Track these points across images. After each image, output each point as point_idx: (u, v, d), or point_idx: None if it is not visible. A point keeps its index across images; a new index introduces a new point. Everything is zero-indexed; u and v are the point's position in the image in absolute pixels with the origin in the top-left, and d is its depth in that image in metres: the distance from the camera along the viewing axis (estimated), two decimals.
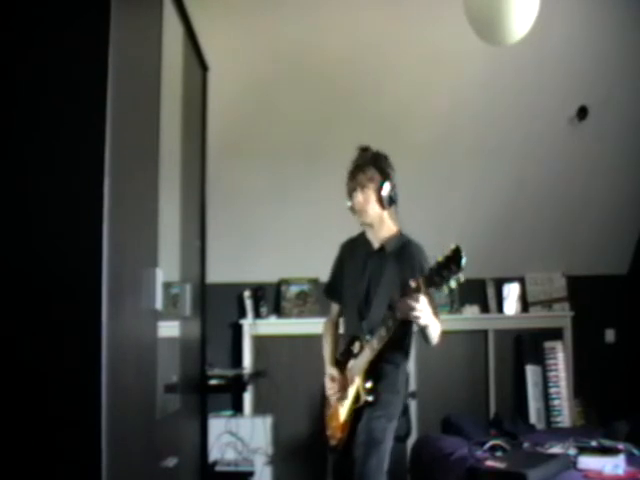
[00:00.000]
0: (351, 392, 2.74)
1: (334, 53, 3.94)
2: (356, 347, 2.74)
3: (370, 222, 2.80)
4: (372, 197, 2.75)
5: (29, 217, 1.59)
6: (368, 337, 2.66)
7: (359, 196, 2.76)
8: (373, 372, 2.67)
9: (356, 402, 2.71)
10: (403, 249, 2.77)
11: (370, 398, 2.66)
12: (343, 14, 3.80)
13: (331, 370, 2.87)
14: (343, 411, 2.78)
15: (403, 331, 2.65)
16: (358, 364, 2.70)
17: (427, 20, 3.82)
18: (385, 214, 2.80)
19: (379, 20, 3.83)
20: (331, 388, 2.84)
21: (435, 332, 2.64)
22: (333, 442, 2.84)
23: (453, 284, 2.29)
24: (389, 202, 2.76)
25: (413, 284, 2.40)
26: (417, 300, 2.40)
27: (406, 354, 2.79)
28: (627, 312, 4.97)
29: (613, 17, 4.04)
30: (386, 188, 2.74)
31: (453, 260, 2.25)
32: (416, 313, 2.43)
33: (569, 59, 4.13)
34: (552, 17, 3.62)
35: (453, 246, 2.27)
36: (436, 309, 2.65)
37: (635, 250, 5.01)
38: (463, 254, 2.23)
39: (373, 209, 2.77)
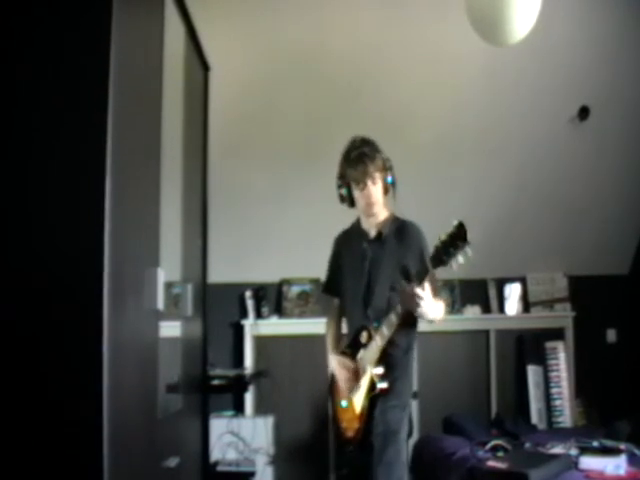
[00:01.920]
0: (365, 382, 2.72)
1: (335, 53, 3.94)
2: (364, 337, 2.71)
3: (377, 212, 2.80)
4: (380, 187, 2.76)
5: (30, 217, 1.59)
6: (376, 324, 2.65)
7: (371, 188, 2.73)
8: (384, 359, 2.67)
9: (371, 390, 2.68)
10: (401, 232, 2.78)
11: (384, 385, 2.65)
12: (344, 14, 3.80)
13: (340, 359, 2.83)
14: (358, 402, 2.76)
15: (412, 315, 2.65)
16: (369, 353, 2.68)
17: (428, 20, 3.82)
18: (383, 200, 2.81)
19: (380, 20, 3.83)
20: (346, 379, 2.79)
21: (436, 314, 2.64)
22: (350, 434, 2.79)
23: (461, 259, 2.30)
24: (389, 189, 2.78)
25: (418, 275, 2.45)
26: (418, 291, 2.45)
27: (414, 337, 2.80)
28: (628, 312, 4.96)
29: (614, 17, 4.04)
30: (391, 177, 2.77)
31: (458, 236, 2.28)
32: (419, 302, 2.47)
33: (570, 59, 4.12)
34: (553, 17, 3.62)
35: (456, 222, 2.30)
36: (436, 289, 2.67)
37: (636, 250, 5.01)
38: (467, 228, 2.27)
39: (381, 198, 2.77)
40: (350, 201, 2.82)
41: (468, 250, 2.30)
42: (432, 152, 4.38)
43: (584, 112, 4.35)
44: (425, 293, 2.48)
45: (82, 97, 1.60)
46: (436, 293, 2.65)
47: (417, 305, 2.49)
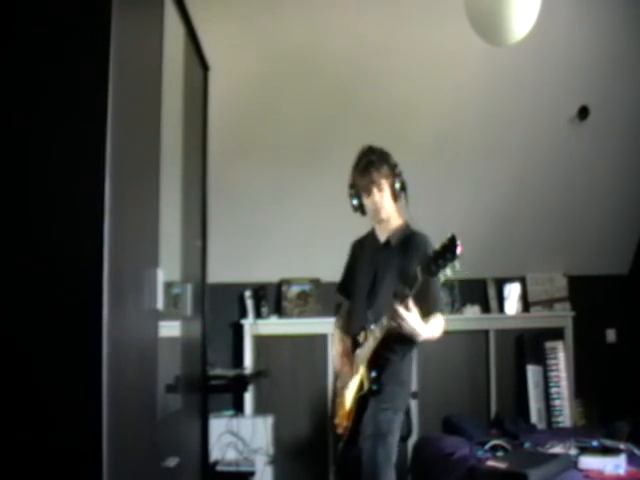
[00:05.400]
0: (356, 380, 2.78)
1: (335, 53, 3.94)
2: (362, 337, 2.79)
3: (386, 218, 2.87)
4: (388, 193, 2.83)
5: (30, 217, 1.59)
6: (373, 326, 2.70)
7: (376, 195, 2.82)
8: (378, 361, 2.72)
9: (360, 390, 2.74)
10: (408, 240, 2.85)
11: (374, 387, 2.70)
12: (344, 14, 3.80)
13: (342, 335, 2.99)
14: (348, 399, 2.81)
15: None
16: (363, 353, 2.76)
17: (428, 20, 3.82)
18: (395, 207, 2.88)
19: (380, 20, 3.83)
20: (340, 354, 2.94)
21: (426, 333, 2.67)
22: (340, 430, 2.88)
23: (449, 272, 2.36)
24: (400, 195, 2.84)
25: (402, 293, 2.50)
26: (400, 311, 2.51)
27: (411, 345, 2.81)
28: (628, 312, 4.96)
29: (614, 17, 4.04)
30: (399, 182, 2.82)
31: (448, 248, 2.33)
32: (400, 323, 2.53)
33: (570, 59, 4.12)
34: (553, 17, 3.62)
35: (449, 235, 2.35)
36: (435, 302, 2.73)
37: (636, 250, 5.01)
38: (458, 242, 2.31)
39: (389, 205, 2.85)
40: (362, 209, 2.91)
41: (456, 264, 2.34)
42: (432, 152, 4.38)
43: (584, 112, 4.35)
44: (410, 314, 2.52)
45: (81, 97, 1.60)
46: (432, 309, 2.71)
47: (399, 325, 2.54)
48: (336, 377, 3.04)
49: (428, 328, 2.67)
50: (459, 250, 2.32)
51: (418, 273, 2.44)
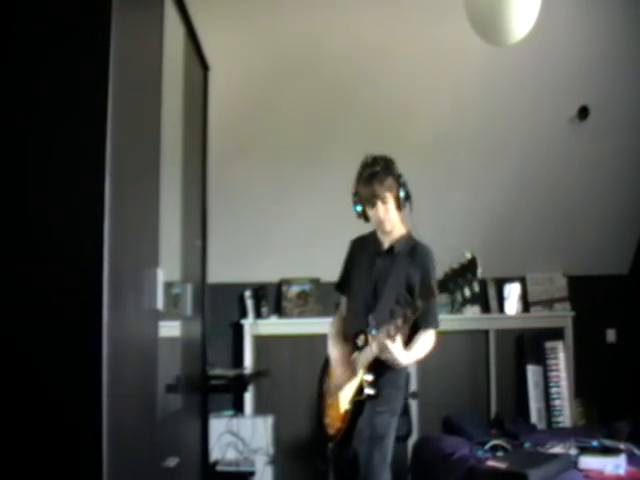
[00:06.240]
0: (354, 384, 2.77)
1: (335, 52, 3.94)
2: (361, 340, 2.77)
3: (390, 229, 2.85)
4: (392, 205, 2.81)
5: (30, 217, 1.59)
6: (374, 332, 2.69)
7: (380, 208, 2.80)
8: (376, 367, 2.72)
9: (358, 394, 2.74)
10: (412, 251, 2.84)
11: (372, 391, 2.71)
12: (344, 13, 3.80)
13: (338, 343, 2.94)
14: (344, 402, 2.80)
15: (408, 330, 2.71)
16: (362, 357, 2.74)
17: (428, 20, 3.82)
18: (399, 216, 2.86)
19: (380, 20, 3.83)
20: (340, 363, 2.88)
21: (407, 362, 2.75)
22: (331, 431, 2.87)
23: (467, 292, 2.36)
24: (404, 205, 2.83)
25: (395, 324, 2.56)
26: (388, 344, 2.59)
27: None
28: (628, 312, 4.96)
29: (614, 17, 4.04)
30: (404, 193, 2.80)
31: (468, 269, 2.33)
32: (386, 355, 2.62)
33: (570, 59, 4.12)
34: (553, 17, 3.62)
35: (469, 255, 2.35)
36: (427, 325, 2.78)
37: (636, 250, 5.01)
38: (479, 264, 2.31)
39: (393, 216, 2.83)
40: (365, 217, 2.90)
41: (475, 285, 2.35)
42: (431, 152, 4.38)
43: (584, 112, 4.35)
44: (394, 345, 2.58)
45: (81, 97, 1.60)
46: (429, 323, 2.76)
47: (385, 355, 2.62)
48: (322, 377, 3.01)
49: (411, 354, 2.74)
50: (479, 272, 2.31)
51: (435, 289, 2.43)
